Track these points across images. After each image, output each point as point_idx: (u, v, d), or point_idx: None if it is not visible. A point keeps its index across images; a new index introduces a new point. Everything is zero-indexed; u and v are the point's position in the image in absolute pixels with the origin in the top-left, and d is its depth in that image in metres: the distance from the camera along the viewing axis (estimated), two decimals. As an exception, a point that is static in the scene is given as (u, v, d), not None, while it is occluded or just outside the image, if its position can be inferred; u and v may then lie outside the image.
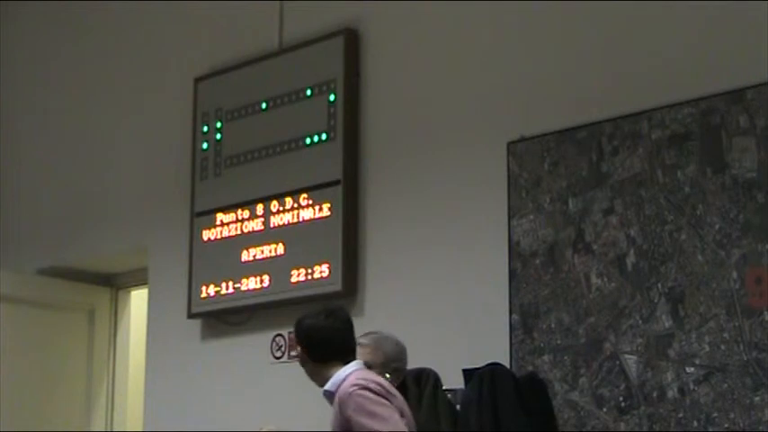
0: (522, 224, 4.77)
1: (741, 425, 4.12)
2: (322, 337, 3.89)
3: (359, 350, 4.04)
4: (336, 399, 3.78)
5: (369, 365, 4.04)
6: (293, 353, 5.49)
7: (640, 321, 4.41)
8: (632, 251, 4.46)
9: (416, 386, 4.21)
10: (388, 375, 4.31)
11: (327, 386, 3.86)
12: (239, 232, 5.70)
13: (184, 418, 5.88)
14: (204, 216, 5.86)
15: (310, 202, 5.44)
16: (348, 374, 3.81)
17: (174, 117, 6.21)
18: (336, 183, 5.37)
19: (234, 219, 5.73)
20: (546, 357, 4.62)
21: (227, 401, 5.73)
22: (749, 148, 4.23)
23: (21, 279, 6.56)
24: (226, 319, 5.79)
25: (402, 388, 4.20)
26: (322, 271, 5.34)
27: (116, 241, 6.47)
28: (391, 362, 4.29)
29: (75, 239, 6.67)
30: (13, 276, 6.52)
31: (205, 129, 5.97)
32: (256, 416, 5.55)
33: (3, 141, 7.16)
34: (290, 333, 5.52)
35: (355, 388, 3.72)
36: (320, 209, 5.40)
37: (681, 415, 4.26)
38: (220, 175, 5.86)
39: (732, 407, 4.15)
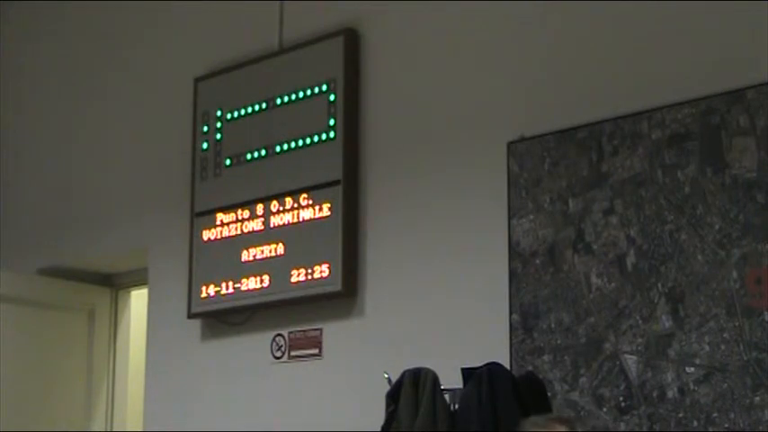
0: (522, 224, 4.76)
1: (741, 425, 4.12)
2: None
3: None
4: None
5: None
6: (293, 353, 5.49)
7: (640, 321, 4.40)
8: (632, 251, 4.46)
9: (414, 386, 4.20)
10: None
11: None
12: (239, 232, 5.69)
13: (184, 418, 5.88)
14: (204, 216, 5.86)
15: (310, 202, 5.44)
16: None
17: (174, 117, 6.21)
18: (336, 183, 5.36)
19: (234, 219, 5.73)
20: (546, 357, 4.61)
21: (227, 401, 5.72)
22: (749, 148, 4.23)
23: (21, 279, 6.56)
24: (226, 319, 5.78)
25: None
26: (322, 271, 5.33)
27: (116, 241, 6.47)
28: None
29: (75, 239, 6.67)
30: (13, 276, 6.51)
31: (205, 129, 5.96)
32: (256, 416, 5.56)
33: (2, 141, 7.17)
34: (290, 333, 5.52)
35: None
36: (320, 209, 5.40)
37: (681, 415, 4.26)
38: (220, 175, 5.86)
39: (732, 407, 4.15)
